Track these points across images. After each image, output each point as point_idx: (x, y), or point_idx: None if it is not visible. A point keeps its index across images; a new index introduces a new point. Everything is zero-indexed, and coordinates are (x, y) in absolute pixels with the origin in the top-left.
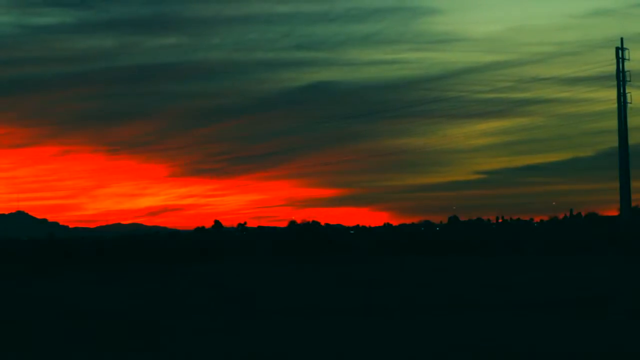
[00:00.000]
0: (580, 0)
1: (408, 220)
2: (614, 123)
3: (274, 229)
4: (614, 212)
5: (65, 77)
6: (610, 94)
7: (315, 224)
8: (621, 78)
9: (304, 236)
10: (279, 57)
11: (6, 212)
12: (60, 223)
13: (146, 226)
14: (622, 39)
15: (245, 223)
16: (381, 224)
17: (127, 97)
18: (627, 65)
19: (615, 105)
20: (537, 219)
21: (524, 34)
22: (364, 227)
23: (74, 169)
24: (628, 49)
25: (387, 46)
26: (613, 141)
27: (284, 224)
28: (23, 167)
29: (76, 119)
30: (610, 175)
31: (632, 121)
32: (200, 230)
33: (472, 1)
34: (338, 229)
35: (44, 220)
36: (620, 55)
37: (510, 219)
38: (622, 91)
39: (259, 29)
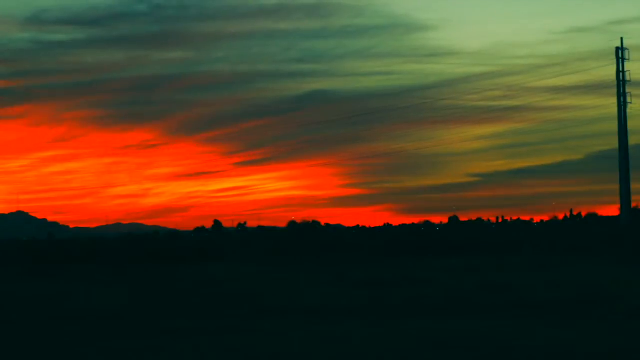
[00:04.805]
0: (562, 19)
1: (408, 220)
2: (602, 127)
3: (274, 229)
4: (613, 213)
5: (75, 87)
6: (597, 101)
7: (315, 224)
8: (621, 78)
9: (304, 236)
10: (280, 68)
11: (6, 212)
12: (60, 223)
13: (146, 226)
14: (622, 39)
15: (245, 223)
16: (381, 224)
17: (133, 105)
18: (627, 66)
19: (602, 111)
20: (537, 219)
21: (511, 48)
22: (364, 227)
23: (75, 171)
24: (628, 49)
25: (383, 59)
26: (602, 144)
27: (283, 224)
28: (29, 169)
29: (84, 124)
30: (603, 177)
31: (631, 123)
32: (200, 230)
33: (462, 18)
34: (338, 229)
35: (44, 220)
36: (620, 55)
37: (510, 219)
38: (622, 91)
39: (261, 43)
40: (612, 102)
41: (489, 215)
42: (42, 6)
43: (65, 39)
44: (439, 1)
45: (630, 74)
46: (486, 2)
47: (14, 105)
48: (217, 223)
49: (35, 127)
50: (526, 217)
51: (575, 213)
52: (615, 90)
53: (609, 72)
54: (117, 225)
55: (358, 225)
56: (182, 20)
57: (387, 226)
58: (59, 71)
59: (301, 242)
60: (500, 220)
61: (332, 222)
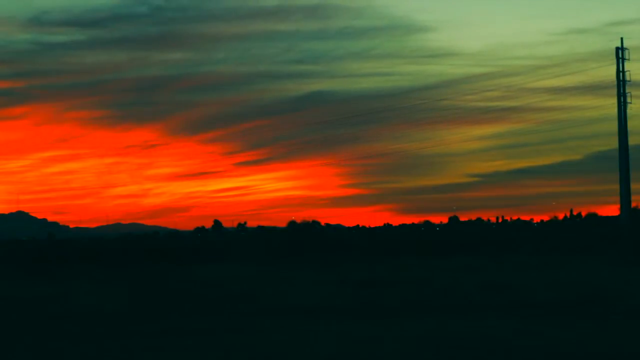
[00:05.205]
0: (561, 20)
1: (408, 220)
2: (602, 127)
3: (274, 229)
4: (613, 213)
5: (75, 88)
6: (597, 102)
7: (315, 223)
8: (621, 78)
9: (304, 236)
10: (280, 69)
11: (6, 212)
12: (60, 223)
13: (146, 226)
14: (622, 39)
15: (245, 223)
16: (381, 224)
17: (134, 106)
18: (627, 66)
19: (602, 112)
20: (537, 219)
21: (510, 48)
22: (364, 227)
23: (76, 171)
24: (628, 49)
25: (383, 60)
26: (601, 144)
27: (283, 224)
28: (30, 170)
29: (85, 125)
30: (603, 177)
31: (631, 123)
32: (200, 230)
33: (461, 19)
34: (338, 229)
35: (44, 220)
36: (620, 55)
37: (510, 219)
38: (622, 91)
39: (260, 44)
40: (612, 102)
41: (489, 215)
42: (43, 7)
43: (66, 40)
44: (438, 2)
45: (630, 74)
46: (485, 3)
47: (15, 106)
48: (217, 223)
49: (36, 128)
50: (526, 217)
51: (575, 213)
52: (615, 91)
53: (609, 72)
54: (117, 225)
55: (358, 225)
56: (183, 21)
57: (387, 226)
58: (60, 72)
59: (301, 242)
60: (500, 220)
61: (332, 222)
